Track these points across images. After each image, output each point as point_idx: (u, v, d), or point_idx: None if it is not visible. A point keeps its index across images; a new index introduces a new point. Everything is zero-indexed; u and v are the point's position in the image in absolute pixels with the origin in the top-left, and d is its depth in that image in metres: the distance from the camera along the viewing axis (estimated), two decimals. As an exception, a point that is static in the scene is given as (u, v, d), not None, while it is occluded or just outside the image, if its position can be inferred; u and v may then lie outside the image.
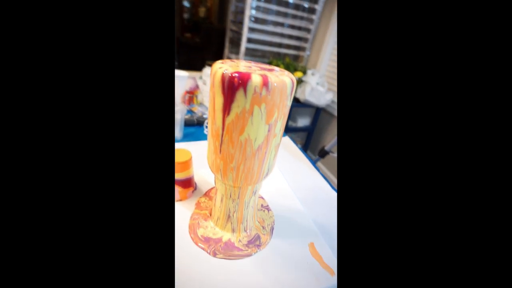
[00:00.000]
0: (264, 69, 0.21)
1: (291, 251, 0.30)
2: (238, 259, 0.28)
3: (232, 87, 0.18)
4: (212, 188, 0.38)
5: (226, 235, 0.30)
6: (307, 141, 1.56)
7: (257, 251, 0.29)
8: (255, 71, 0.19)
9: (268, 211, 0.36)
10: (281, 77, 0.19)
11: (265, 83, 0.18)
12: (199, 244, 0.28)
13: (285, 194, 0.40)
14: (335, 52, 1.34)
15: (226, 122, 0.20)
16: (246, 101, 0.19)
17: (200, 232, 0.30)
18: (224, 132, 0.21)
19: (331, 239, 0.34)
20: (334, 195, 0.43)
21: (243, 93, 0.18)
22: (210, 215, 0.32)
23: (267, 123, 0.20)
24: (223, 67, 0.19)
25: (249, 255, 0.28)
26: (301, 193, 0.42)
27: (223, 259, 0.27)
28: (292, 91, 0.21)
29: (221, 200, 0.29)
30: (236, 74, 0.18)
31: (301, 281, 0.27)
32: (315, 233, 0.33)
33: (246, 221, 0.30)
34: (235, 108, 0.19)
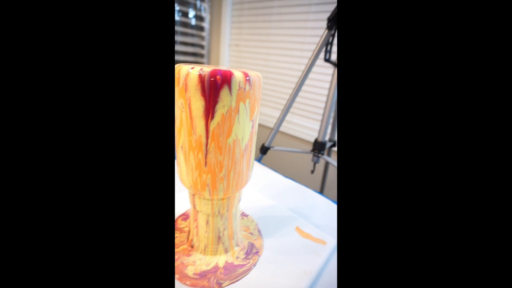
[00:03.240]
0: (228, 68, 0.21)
1: (285, 241, 0.30)
2: (246, 275, 0.25)
3: (215, 87, 0.17)
4: (176, 220, 0.32)
5: (221, 259, 0.27)
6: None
7: (258, 258, 0.28)
8: (229, 69, 0.18)
9: (247, 217, 0.34)
10: (253, 72, 0.20)
11: (247, 78, 0.18)
12: (188, 284, 0.24)
13: (252, 198, 0.40)
14: (232, 64, 1.46)
15: (211, 127, 0.18)
16: (232, 99, 0.18)
17: (190, 270, 0.25)
18: (209, 140, 0.19)
19: (309, 218, 0.37)
20: (290, 182, 0.47)
21: (228, 91, 0.17)
22: (192, 247, 0.27)
23: (251, 119, 0.20)
24: (195, 68, 0.17)
25: (253, 266, 0.26)
26: (263, 189, 0.43)
27: (230, 285, 0.24)
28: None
29: (207, 223, 0.25)
30: (217, 72, 0.17)
31: (306, 262, 0.28)
32: (295, 218, 0.35)
33: (236, 234, 0.28)
34: (221, 109, 0.18)
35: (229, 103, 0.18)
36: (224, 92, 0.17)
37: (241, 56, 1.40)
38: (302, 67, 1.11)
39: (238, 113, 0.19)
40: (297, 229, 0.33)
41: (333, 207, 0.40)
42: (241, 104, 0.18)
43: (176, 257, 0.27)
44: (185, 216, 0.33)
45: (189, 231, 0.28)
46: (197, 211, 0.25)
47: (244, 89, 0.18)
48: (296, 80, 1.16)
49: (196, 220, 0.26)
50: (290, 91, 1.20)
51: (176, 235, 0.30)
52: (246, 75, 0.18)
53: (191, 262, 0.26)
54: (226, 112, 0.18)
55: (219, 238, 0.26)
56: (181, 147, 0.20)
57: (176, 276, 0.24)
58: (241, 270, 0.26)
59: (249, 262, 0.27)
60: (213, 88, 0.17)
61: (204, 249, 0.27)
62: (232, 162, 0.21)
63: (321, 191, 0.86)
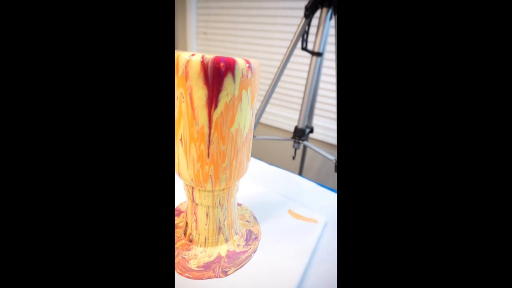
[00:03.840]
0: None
1: (280, 225, 0.32)
2: (249, 260, 0.26)
3: (218, 74, 0.16)
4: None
5: (223, 249, 0.27)
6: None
7: (258, 243, 0.28)
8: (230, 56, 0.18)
9: (240, 206, 0.35)
10: (253, 60, 0.19)
11: (249, 65, 0.18)
12: (191, 275, 0.24)
13: (243, 187, 0.40)
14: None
15: (214, 117, 0.18)
16: (235, 87, 0.18)
17: (193, 264, 0.25)
18: (212, 130, 0.18)
19: (298, 200, 0.39)
20: (275, 169, 0.48)
21: (231, 78, 0.17)
22: (191, 241, 0.27)
23: (251, 107, 0.20)
24: (196, 55, 0.16)
25: (254, 251, 0.27)
26: (252, 178, 0.44)
27: (236, 272, 0.25)
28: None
29: (207, 215, 0.25)
30: (221, 59, 0.16)
31: (303, 240, 0.30)
32: (286, 202, 0.37)
33: (235, 222, 0.29)
34: (224, 98, 0.17)
35: (232, 91, 0.18)
36: (228, 80, 0.17)
37: (210, 45, 1.35)
38: (275, 56, 1.12)
39: (241, 101, 0.19)
40: (290, 211, 0.35)
41: (317, 188, 0.43)
42: (244, 92, 0.18)
43: (175, 253, 0.26)
44: (177, 212, 0.32)
45: (186, 226, 0.28)
46: (196, 204, 0.25)
47: (247, 76, 0.18)
48: (269, 68, 1.16)
49: (195, 213, 0.25)
50: (264, 81, 1.20)
51: (171, 231, 0.29)
52: (247, 62, 0.18)
53: (192, 256, 0.26)
54: (230, 101, 0.18)
55: (219, 228, 0.26)
56: (180, 139, 0.20)
57: (179, 271, 0.24)
58: (244, 256, 0.26)
59: (250, 248, 0.28)
60: (217, 76, 0.17)
61: (205, 242, 0.26)
62: (234, 152, 0.21)
63: (300, 174, 0.91)
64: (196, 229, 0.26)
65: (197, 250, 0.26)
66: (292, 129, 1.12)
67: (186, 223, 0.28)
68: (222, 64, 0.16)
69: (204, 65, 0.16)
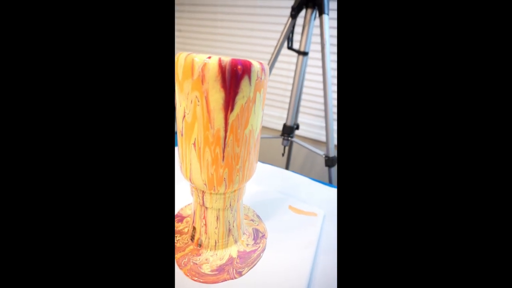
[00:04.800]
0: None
1: (283, 221, 0.33)
2: (260, 258, 0.27)
3: (236, 77, 0.16)
4: (172, 223, 0.30)
5: (233, 250, 0.27)
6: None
7: (266, 241, 0.29)
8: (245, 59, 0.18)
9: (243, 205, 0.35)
10: (263, 61, 0.20)
11: (262, 67, 0.18)
12: (206, 280, 0.24)
13: (240, 186, 0.40)
14: (177, 51, 1.34)
15: (230, 120, 0.18)
16: (251, 89, 0.18)
17: (206, 268, 0.25)
18: (228, 133, 0.18)
19: (294, 196, 0.40)
20: (268, 167, 0.49)
21: (248, 81, 0.17)
22: (200, 246, 0.27)
23: (262, 108, 0.20)
24: (213, 58, 0.16)
25: (264, 249, 0.28)
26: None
27: (250, 271, 0.25)
28: (265, 74, 0.22)
29: (217, 219, 0.25)
30: (238, 62, 0.16)
31: (307, 233, 0.31)
32: (285, 198, 0.38)
33: (242, 223, 0.29)
34: (240, 100, 0.18)
35: (248, 94, 0.18)
36: (244, 83, 0.17)
37: (187, 43, 1.30)
38: (255, 54, 1.12)
39: (255, 103, 0.19)
40: (290, 207, 0.36)
41: (312, 183, 0.45)
42: (257, 93, 0.19)
43: (186, 259, 0.25)
44: (179, 218, 0.31)
45: (193, 231, 0.27)
46: (206, 208, 0.24)
47: (261, 78, 0.18)
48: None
49: (204, 217, 0.25)
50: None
51: (179, 238, 0.28)
52: (260, 64, 0.18)
53: (203, 260, 0.25)
54: (245, 103, 0.18)
55: (229, 230, 0.26)
56: (194, 143, 0.19)
57: (191, 277, 0.24)
58: (255, 255, 0.27)
59: (259, 246, 0.28)
60: (234, 78, 0.16)
61: (215, 245, 0.26)
62: (247, 153, 0.21)
63: (286, 168, 0.93)
64: (206, 233, 0.26)
65: (207, 254, 0.26)
66: (277, 127, 1.14)
67: (194, 228, 0.27)
68: (239, 67, 0.16)
69: (221, 68, 0.16)
